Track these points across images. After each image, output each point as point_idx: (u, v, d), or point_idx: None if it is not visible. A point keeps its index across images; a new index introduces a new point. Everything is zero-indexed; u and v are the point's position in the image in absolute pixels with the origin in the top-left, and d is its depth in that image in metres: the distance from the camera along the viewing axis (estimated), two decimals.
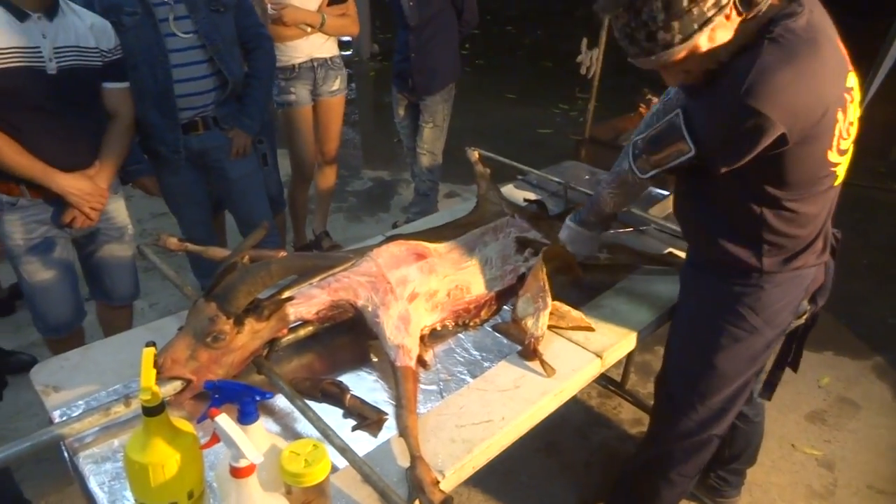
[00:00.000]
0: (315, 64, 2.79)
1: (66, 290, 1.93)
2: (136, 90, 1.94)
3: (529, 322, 1.43)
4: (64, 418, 1.18)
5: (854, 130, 1.24)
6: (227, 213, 2.75)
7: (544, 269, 1.47)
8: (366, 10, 6.41)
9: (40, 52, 1.65)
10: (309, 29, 2.69)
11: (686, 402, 1.55)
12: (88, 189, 1.79)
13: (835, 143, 1.20)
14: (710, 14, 1.07)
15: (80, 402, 1.23)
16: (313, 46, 2.75)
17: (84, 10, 1.80)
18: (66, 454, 1.16)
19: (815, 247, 1.35)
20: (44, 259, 1.85)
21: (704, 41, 1.10)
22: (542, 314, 1.43)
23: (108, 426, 1.16)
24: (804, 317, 1.52)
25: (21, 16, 1.62)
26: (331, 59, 2.84)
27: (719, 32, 1.10)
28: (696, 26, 1.08)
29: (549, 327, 1.46)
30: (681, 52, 1.12)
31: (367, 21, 6.75)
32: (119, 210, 1.99)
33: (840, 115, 1.18)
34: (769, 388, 1.67)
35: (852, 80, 1.21)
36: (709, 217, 1.37)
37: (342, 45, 2.92)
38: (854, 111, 1.22)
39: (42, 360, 1.41)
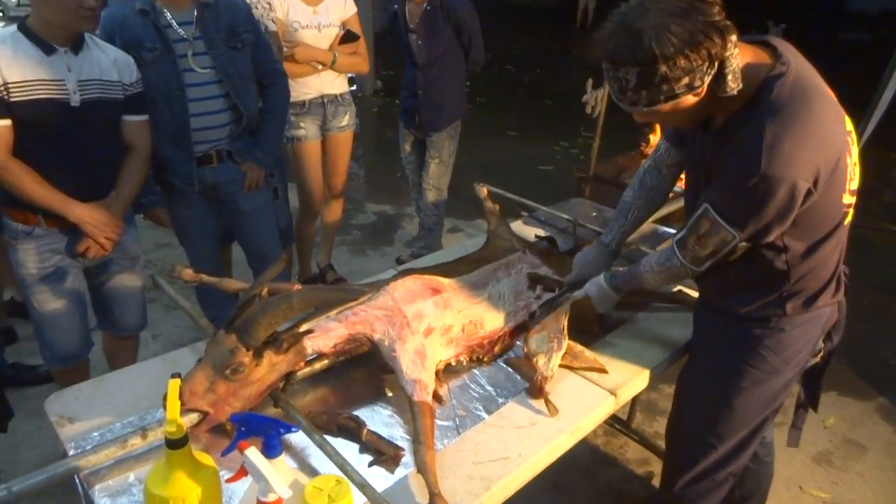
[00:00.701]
0: (325, 100, 2.85)
1: (75, 321, 1.92)
2: (152, 123, 1.98)
3: (541, 360, 1.43)
4: (79, 450, 1.17)
5: (858, 170, 1.29)
6: (234, 246, 2.76)
7: (567, 314, 1.49)
8: (370, 48, 6.55)
9: (65, 84, 1.68)
10: (320, 66, 2.75)
11: (703, 443, 1.54)
12: (104, 219, 1.80)
13: (847, 185, 1.24)
14: (679, 92, 1.13)
15: (95, 434, 1.22)
16: (324, 83, 2.81)
17: (108, 45, 1.85)
18: (80, 487, 1.15)
19: (831, 287, 1.37)
20: (55, 288, 1.85)
21: (669, 109, 1.17)
22: (555, 355, 1.43)
23: (123, 459, 1.15)
24: (820, 355, 1.53)
25: (48, 50, 1.66)
26: (341, 95, 2.90)
27: (690, 101, 1.16)
28: (662, 98, 1.14)
29: (562, 366, 1.47)
30: (644, 114, 1.21)
31: (371, 58, 6.88)
32: (131, 240, 2.00)
33: (848, 159, 1.22)
34: (796, 432, 1.67)
35: (848, 123, 1.26)
36: (730, 272, 1.37)
37: (348, 82, 2.99)
38: (855, 152, 1.26)
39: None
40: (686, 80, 1.11)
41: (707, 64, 1.11)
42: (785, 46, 1.22)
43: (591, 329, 1.63)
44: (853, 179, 1.26)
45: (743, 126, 1.19)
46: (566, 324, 1.48)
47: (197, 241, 2.35)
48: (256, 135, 2.27)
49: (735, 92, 1.15)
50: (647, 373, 1.53)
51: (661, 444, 2.37)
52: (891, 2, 10.21)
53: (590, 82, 2.68)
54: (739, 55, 1.14)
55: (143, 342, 2.41)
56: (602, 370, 1.49)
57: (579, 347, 1.52)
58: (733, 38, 1.12)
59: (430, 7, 2.83)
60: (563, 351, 1.44)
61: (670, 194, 1.66)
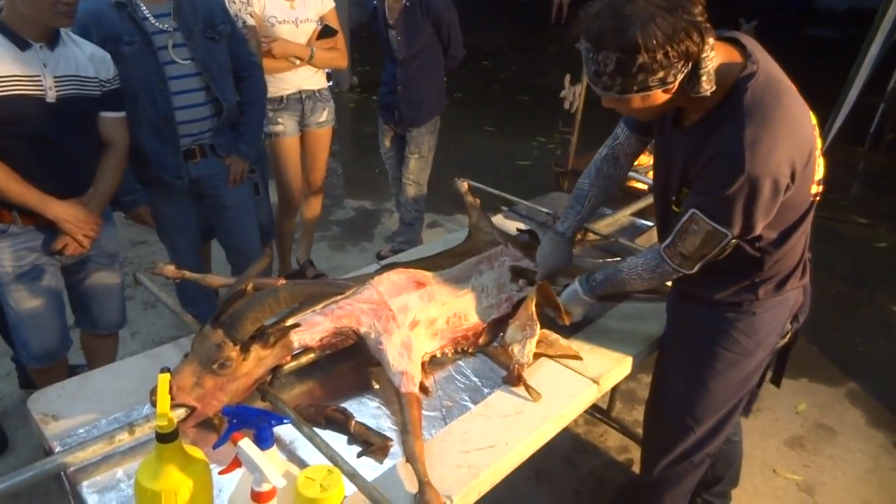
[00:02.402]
0: (303, 96, 2.83)
1: (53, 319, 1.89)
2: (135, 118, 1.95)
3: (516, 349, 1.46)
4: (65, 447, 1.16)
5: (822, 161, 1.34)
6: (213, 243, 2.74)
7: (535, 300, 1.52)
8: (346, 44, 6.52)
9: (40, 80, 1.65)
10: (298, 62, 2.74)
11: (681, 426, 1.58)
12: (82, 216, 1.78)
13: (814, 175, 1.30)
14: (651, 85, 1.15)
15: (81, 431, 1.22)
16: (302, 78, 2.79)
17: (84, 41, 1.82)
18: (66, 485, 1.14)
19: (798, 271, 1.43)
20: (32, 287, 1.82)
21: (638, 102, 1.20)
22: (529, 342, 1.46)
23: (110, 455, 1.15)
24: (788, 335, 1.58)
25: (23, 45, 1.63)
26: (319, 91, 2.89)
27: (660, 97, 1.19)
28: (634, 88, 1.16)
29: (538, 355, 1.50)
30: (613, 101, 1.22)
31: (348, 54, 6.85)
32: (110, 237, 1.97)
33: (816, 151, 1.27)
34: (748, 406, 1.70)
35: (813, 118, 1.29)
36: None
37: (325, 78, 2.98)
38: (819, 144, 1.31)
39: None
40: (661, 74, 1.13)
41: (682, 62, 1.13)
42: (753, 44, 1.25)
43: (558, 315, 1.59)
44: (819, 168, 1.32)
45: (720, 128, 1.22)
46: (535, 310, 1.50)
47: (178, 238, 2.33)
48: (237, 128, 2.26)
49: (708, 93, 1.18)
50: (629, 361, 1.56)
51: (641, 431, 2.44)
52: (858, 0, 10.48)
53: (567, 78, 2.71)
54: (714, 56, 1.16)
55: (121, 341, 2.38)
56: (576, 357, 1.52)
57: (554, 336, 1.54)
58: (711, 40, 1.14)
59: (409, 3, 2.83)
60: (536, 338, 1.47)
61: (632, 185, 1.69)
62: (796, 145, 1.20)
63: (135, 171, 2.10)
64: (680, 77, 1.15)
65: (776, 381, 1.71)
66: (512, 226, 2.18)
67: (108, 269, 2.00)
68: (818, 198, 1.36)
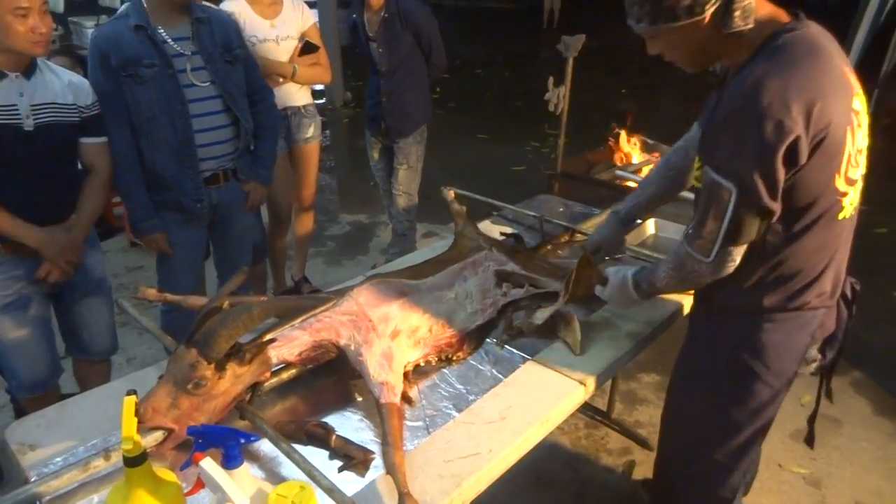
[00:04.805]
0: (289, 112, 2.84)
1: (41, 347, 1.89)
2: (153, 141, 1.97)
3: (539, 312, 1.58)
4: (40, 477, 1.15)
5: (863, 160, 1.22)
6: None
7: (573, 273, 1.55)
8: (338, 60, 6.55)
9: (16, 109, 1.66)
10: (281, 80, 2.75)
11: (686, 457, 1.49)
12: (64, 243, 1.78)
13: (843, 167, 1.16)
14: (680, 13, 1.13)
15: (58, 459, 1.20)
16: (286, 95, 2.80)
17: (61, 69, 1.84)
18: None
19: (819, 287, 1.27)
20: (19, 316, 1.81)
21: (672, 37, 1.18)
22: (549, 309, 1.56)
23: (87, 482, 1.14)
24: (813, 365, 1.41)
25: None
26: (304, 107, 2.89)
27: (692, 34, 1.16)
28: (663, 17, 1.14)
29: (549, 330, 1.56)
30: (649, 36, 1.21)
31: (340, 70, 6.89)
32: (96, 263, 1.97)
33: (849, 137, 1.15)
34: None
35: (858, 103, 1.19)
36: None
37: (316, 94, 2.98)
38: (862, 138, 1.20)
39: None
40: (688, 0, 1.11)
41: None
42: (812, 21, 1.17)
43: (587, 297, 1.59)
44: (854, 167, 1.18)
45: (739, 73, 1.16)
46: (571, 282, 1.52)
47: (186, 264, 2.24)
48: (254, 152, 2.27)
49: (742, 29, 1.12)
50: (615, 362, 1.53)
51: (642, 432, 2.41)
52: None
53: (551, 80, 2.69)
54: (755, 3, 1.12)
55: (117, 366, 2.38)
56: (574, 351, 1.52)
57: (575, 323, 1.54)
58: None
59: (387, 14, 2.84)
60: (556, 307, 1.52)
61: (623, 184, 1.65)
62: (815, 104, 1.07)
63: (152, 196, 2.08)
64: (710, 8, 1.12)
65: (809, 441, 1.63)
66: (499, 230, 2.16)
67: (96, 295, 1.99)
68: (851, 207, 1.22)
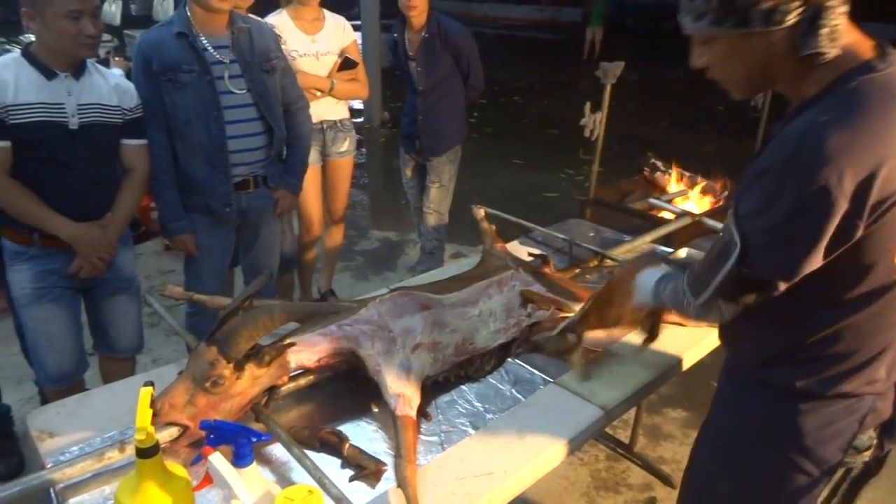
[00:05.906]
0: (325, 126, 2.89)
1: (69, 341, 1.92)
2: (188, 145, 2.03)
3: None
4: (56, 464, 1.16)
5: None
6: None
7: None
8: (377, 80, 6.68)
9: (64, 108, 1.72)
10: (318, 93, 2.80)
11: None
12: (98, 239, 1.82)
13: None
14: (753, 18, 0.94)
15: (75, 448, 1.21)
16: (323, 109, 2.85)
17: (110, 72, 1.90)
18: (54, 501, 1.13)
19: (870, 374, 1.07)
20: (50, 309, 1.86)
21: (734, 46, 0.98)
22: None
23: (100, 472, 1.14)
24: (865, 454, 1.18)
25: (49, 74, 1.71)
26: (340, 121, 2.94)
27: (757, 46, 0.97)
28: (731, 20, 0.95)
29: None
30: (704, 39, 1.01)
31: (379, 90, 7.02)
32: (127, 261, 2.01)
33: None
34: None
35: None
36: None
37: (354, 112, 3.02)
38: None
39: None
40: (768, 4, 0.92)
41: (799, 1, 0.91)
42: None
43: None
44: None
45: (798, 113, 0.97)
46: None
47: (207, 276, 2.27)
48: (286, 161, 2.32)
49: (825, 52, 0.92)
50: (640, 390, 1.49)
51: (665, 469, 2.33)
52: None
53: (587, 105, 2.68)
54: (843, 26, 0.94)
55: (142, 366, 2.41)
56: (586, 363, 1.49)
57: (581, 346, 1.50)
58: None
59: (428, 35, 2.88)
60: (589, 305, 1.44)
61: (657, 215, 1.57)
62: (883, 160, 0.88)
63: (183, 198, 2.13)
64: (790, 20, 0.92)
65: None
66: (526, 251, 2.14)
67: (125, 293, 2.03)
68: None
